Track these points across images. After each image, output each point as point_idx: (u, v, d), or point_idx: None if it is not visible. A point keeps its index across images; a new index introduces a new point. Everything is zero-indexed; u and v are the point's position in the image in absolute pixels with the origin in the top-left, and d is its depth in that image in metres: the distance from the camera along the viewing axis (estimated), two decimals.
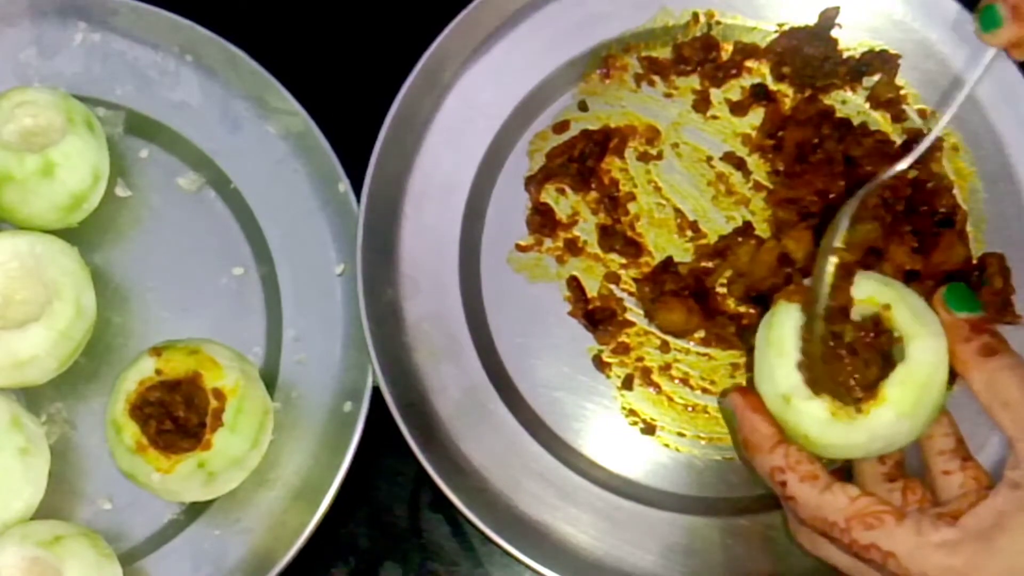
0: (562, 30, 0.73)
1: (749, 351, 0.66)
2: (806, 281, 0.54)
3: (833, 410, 0.50)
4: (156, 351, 0.62)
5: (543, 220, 0.70)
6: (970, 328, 0.50)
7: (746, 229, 0.69)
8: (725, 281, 0.68)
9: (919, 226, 0.67)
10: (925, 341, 0.50)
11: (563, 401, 0.68)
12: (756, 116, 0.72)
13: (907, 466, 0.54)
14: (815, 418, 0.50)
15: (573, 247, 0.70)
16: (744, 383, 0.67)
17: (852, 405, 0.50)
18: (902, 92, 0.72)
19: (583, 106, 0.73)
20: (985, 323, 0.51)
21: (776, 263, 0.65)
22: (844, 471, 0.56)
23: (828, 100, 0.72)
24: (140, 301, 0.70)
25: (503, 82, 0.72)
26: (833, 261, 0.53)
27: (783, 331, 0.52)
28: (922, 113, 0.71)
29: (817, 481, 0.50)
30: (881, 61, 0.72)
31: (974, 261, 0.67)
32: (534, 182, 0.71)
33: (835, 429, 0.50)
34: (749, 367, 0.66)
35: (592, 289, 0.69)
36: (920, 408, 0.49)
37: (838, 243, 0.53)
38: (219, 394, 0.61)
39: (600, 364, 0.68)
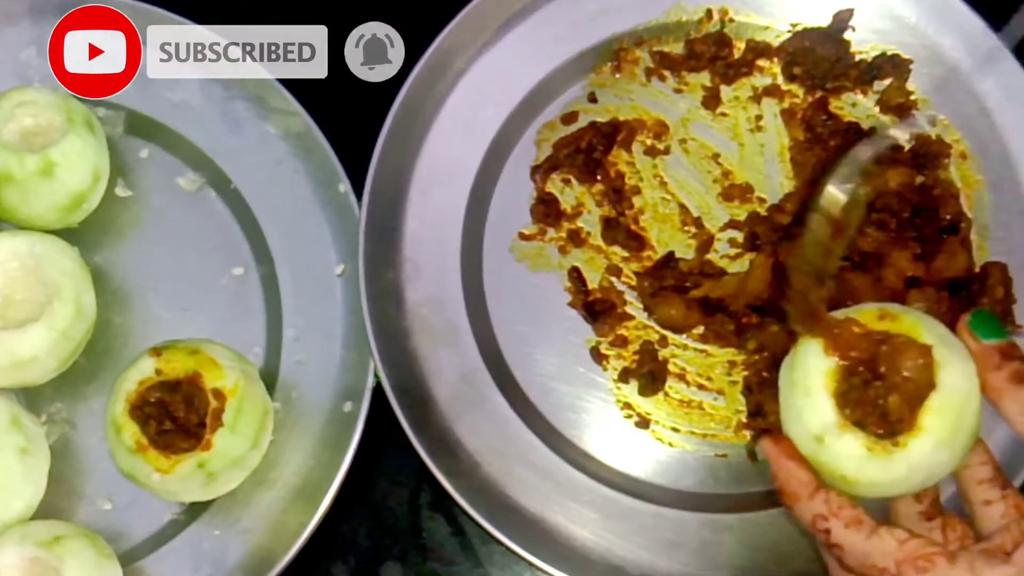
0: (575, 22, 0.73)
1: (749, 394, 0.67)
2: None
3: (869, 445, 0.47)
4: (156, 351, 0.62)
5: (547, 210, 0.71)
6: (1000, 355, 0.48)
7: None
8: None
9: (923, 232, 0.67)
10: (956, 367, 0.47)
11: (559, 391, 0.68)
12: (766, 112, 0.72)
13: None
14: (851, 456, 0.47)
15: (576, 238, 0.70)
16: (740, 381, 0.67)
17: (888, 439, 0.47)
18: (912, 97, 0.71)
19: (592, 98, 0.73)
20: (1014, 349, 0.48)
21: (771, 276, 0.65)
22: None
23: (838, 103, 0.72)
24: (140, 301, 0.70)
25: (514, 71, 0.72)
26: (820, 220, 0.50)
27: (807, 370, 0.49)
28: (931, 119, 0.71)
29: (862, 526, 0.47)
30: (892, 65, 0.72)
31: (976, 270, 0.67)
32: (540, 172, 0.71)
33: (873, 465, 0.47)
34: (750, 414, 0.66)
35: (593, 281, 0.70)
36: (958, 435, 0.47)
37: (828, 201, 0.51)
38: (219, 394, 0.61)
39: (598, 356, 0.68)
